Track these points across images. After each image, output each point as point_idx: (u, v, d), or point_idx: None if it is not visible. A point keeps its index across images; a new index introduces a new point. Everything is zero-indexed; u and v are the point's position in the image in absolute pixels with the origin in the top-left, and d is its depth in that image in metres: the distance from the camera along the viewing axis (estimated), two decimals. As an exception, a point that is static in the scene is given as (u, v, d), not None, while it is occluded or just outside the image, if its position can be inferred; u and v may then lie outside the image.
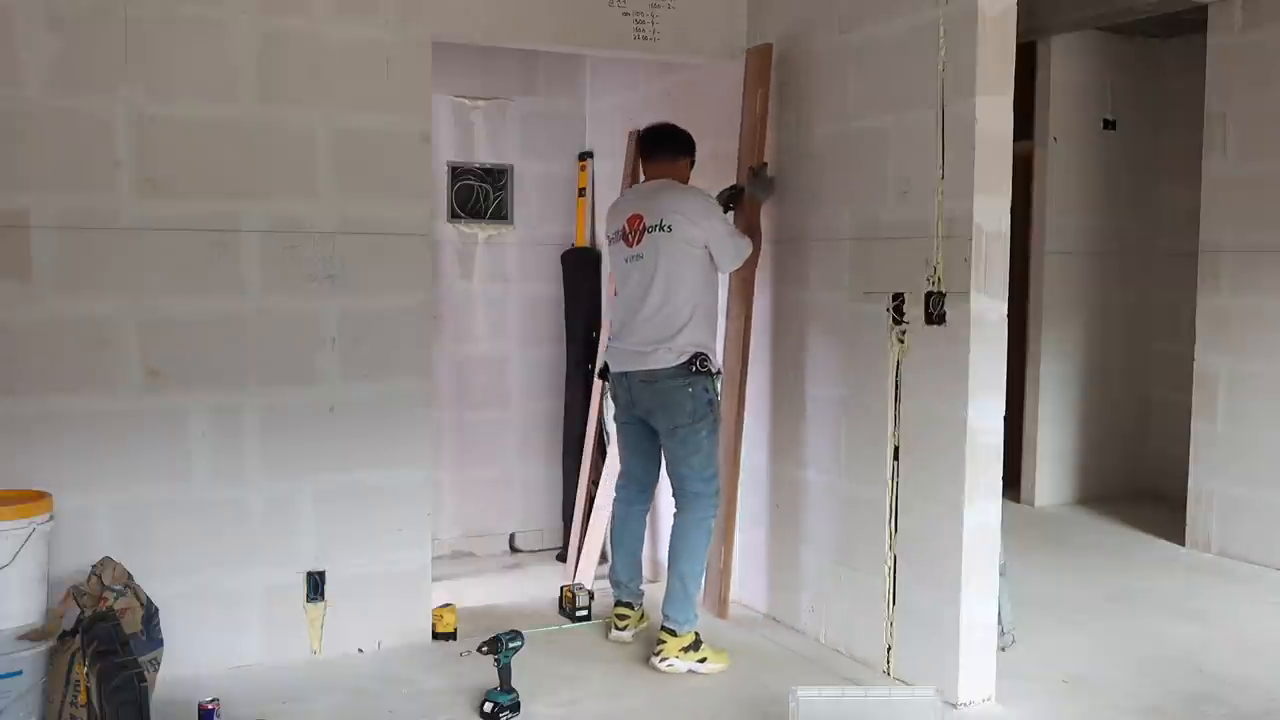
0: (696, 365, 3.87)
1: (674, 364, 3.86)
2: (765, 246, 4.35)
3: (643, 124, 5.28)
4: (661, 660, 3.79)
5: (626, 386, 4.00)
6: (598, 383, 5.65)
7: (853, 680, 3.69)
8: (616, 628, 4.12)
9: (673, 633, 3.81)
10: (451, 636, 4.08)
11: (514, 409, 5.82)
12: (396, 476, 4.00)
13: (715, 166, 4.71)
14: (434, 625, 4.09)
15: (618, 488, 4.30)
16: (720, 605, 4.33)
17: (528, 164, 5.76)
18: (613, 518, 4.30)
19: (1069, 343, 6.43)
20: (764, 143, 4.31)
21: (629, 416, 4.09)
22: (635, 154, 5.32)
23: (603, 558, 5.51)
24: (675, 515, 4.00)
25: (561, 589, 4.53)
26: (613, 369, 4.07)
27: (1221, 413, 5.36)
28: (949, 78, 3.50)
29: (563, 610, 4.45)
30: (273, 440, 3.80)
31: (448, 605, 4.15)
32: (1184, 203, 5.97)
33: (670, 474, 4.01)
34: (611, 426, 5.55)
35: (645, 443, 4.11)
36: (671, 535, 4.00)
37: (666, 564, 4.01)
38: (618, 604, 4.16)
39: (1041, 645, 4.07)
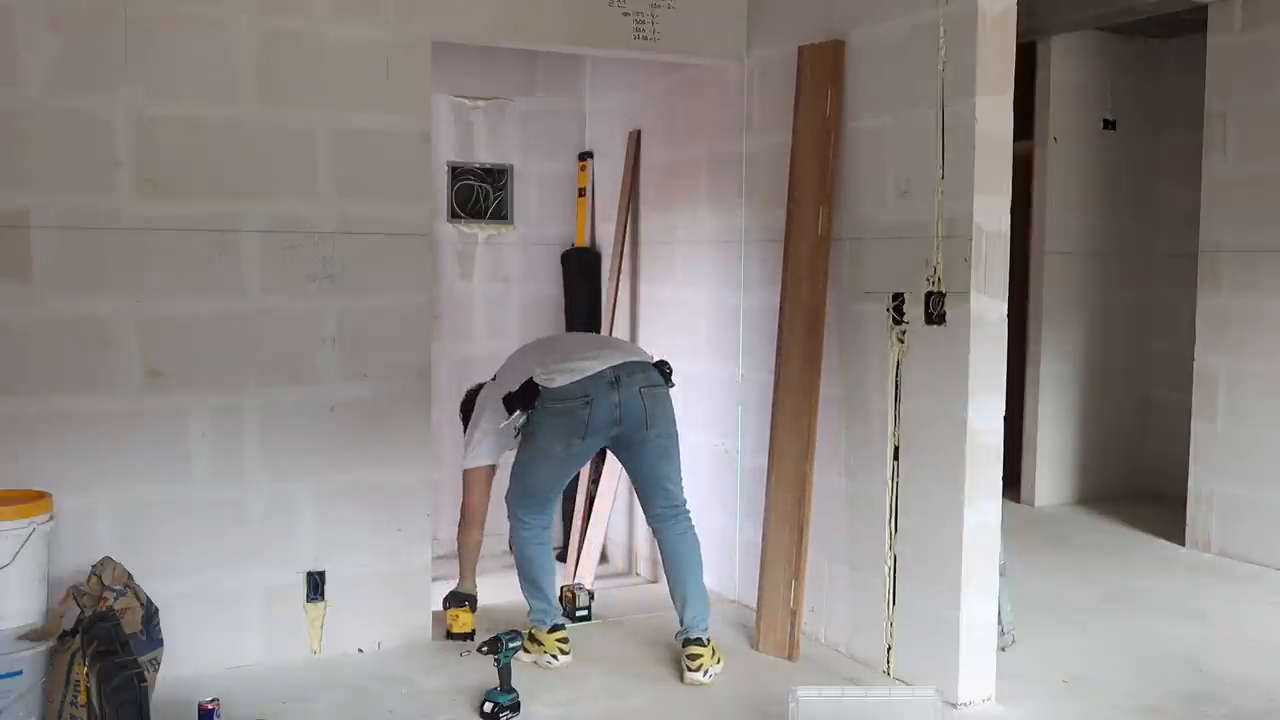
0: (669, 370, 3.90)
1: (657, 372, 3.86)
2: (766, 246, 4.35)
3: (643, 124, 5.33)
4: (705, 674, 3.70)
5: (616, 402, 3.69)
6: None
7: (853, 680, 3.69)
8: (563, 653, 3.87)
9: (704, 643, 3.74)
10: (469, 637, 4.02)
11: (514, 409, 5.81)
12: (396, 476, 4.00)
13: (715, 167, 4.72)
14: (449, 626, 4.06)
15: (537, 526, 3.89)
16: (792, 647, 3.95)
17: (528, 164, 5.76)
18: (536, 555, 3.89)
19: (1069, 343, 6.43)
20: (837, 146, 3.94)
21: (600, 439, 3.80)
22: (635, 155, 5.33)
23: (603, 558, 5.53)
24: (672, 531, 3.86)
25: (561, 589, 4.52)
26: (600, 385, 3.69)
27: (1221, 413, 5.36)
28: (949, 78, 3.50)
29: (563, 610, 4.44)
30: (273, 440, 3.80)
31: (463, 605, 4.09)
32: (1184, 203, 5.96)
33: (656, 489, 3.86)
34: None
35: (578, 469, 4.07)
36: (678, 551, 3.85)
37: (679, 580, 3.82)
38: (555, 629, 3.91)
39: (1041, 645, 4.08)
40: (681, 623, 3.81)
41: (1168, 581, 4.98)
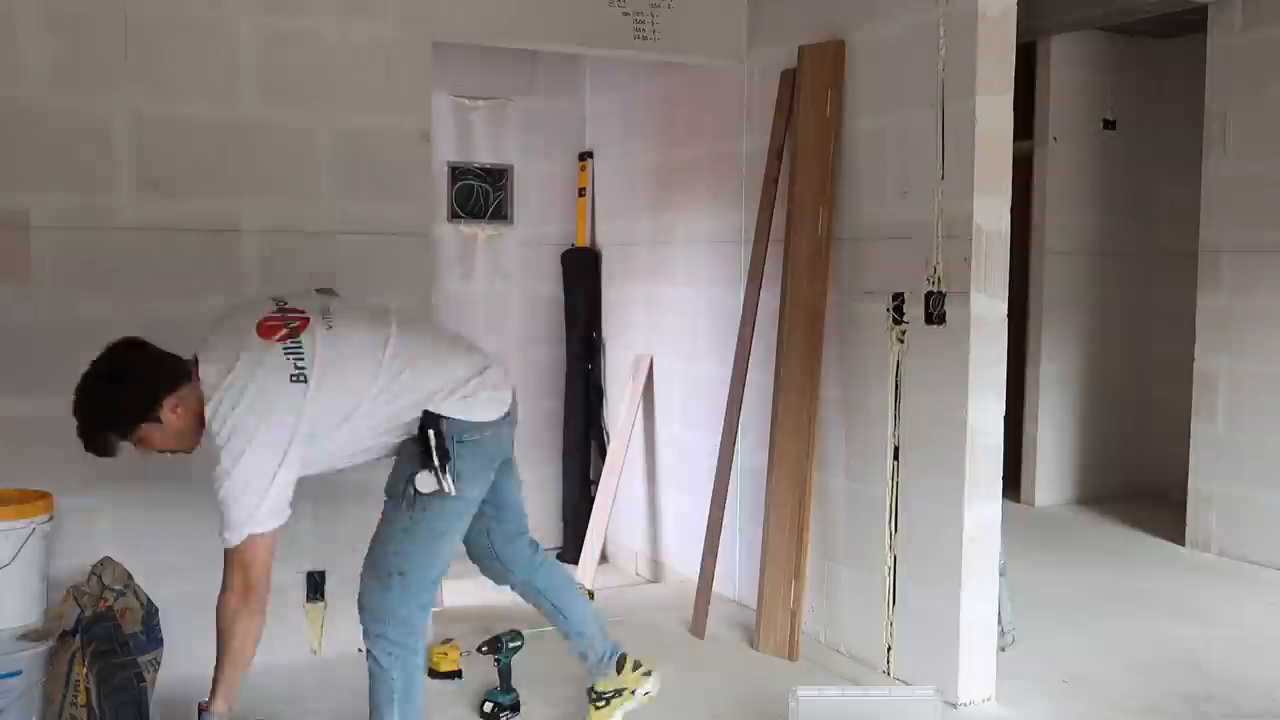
0: None
1: None
2: (769, 248, 4.34)
3: (643, 124, 5.32)
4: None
5: (509, 431, 2.99)
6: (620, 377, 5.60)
7: (853, 680, 3.69)
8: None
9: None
10: (456, 675, 3.70)
11: (514, 409, 5.82)
12: (396, 476, 3.99)
13: (715, 167, 4.72)
14: (434, 664, 3.67)
15: (422, 635, 3.07)
16: (792, 647, 3.94)
17: (528, 164, 5.76)
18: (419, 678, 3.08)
19: (1069, 343, 6.43)
20: (837, 146, 3.93)
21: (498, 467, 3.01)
22: (789, 103, 4.22)
23: (603, 558, 5.53)
24: (544, 559, 3.29)
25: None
26: (500, 414, 2.90)
27: (1221, 413, 5.36)
28: (949, 78, 3.50)
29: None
30: (273, 440, 3.79)
31: (449, 641, 3.76)
32: (1184, 203, 5.96)
33: (523, 516, 3.25)
34: (612, 426, 5.56)
35: None
36: (555, 579, 3.29)
37: (586, 609, 3.34)
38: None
39: (1041, 645, 4.08)
40: (597, 659, 3.26)
41: (1168, 581, 4.98)
